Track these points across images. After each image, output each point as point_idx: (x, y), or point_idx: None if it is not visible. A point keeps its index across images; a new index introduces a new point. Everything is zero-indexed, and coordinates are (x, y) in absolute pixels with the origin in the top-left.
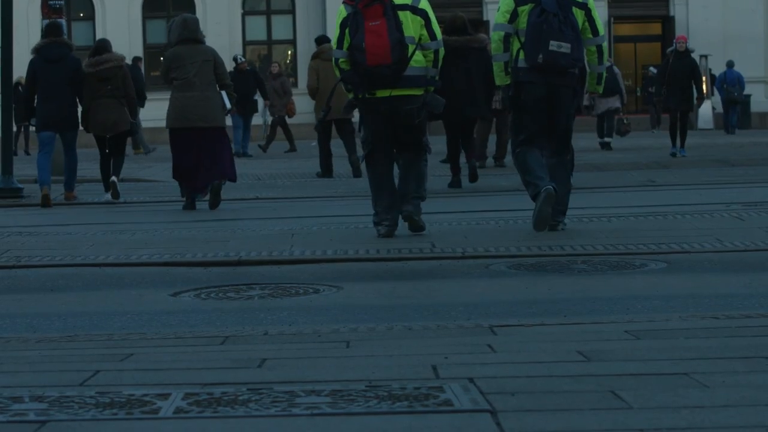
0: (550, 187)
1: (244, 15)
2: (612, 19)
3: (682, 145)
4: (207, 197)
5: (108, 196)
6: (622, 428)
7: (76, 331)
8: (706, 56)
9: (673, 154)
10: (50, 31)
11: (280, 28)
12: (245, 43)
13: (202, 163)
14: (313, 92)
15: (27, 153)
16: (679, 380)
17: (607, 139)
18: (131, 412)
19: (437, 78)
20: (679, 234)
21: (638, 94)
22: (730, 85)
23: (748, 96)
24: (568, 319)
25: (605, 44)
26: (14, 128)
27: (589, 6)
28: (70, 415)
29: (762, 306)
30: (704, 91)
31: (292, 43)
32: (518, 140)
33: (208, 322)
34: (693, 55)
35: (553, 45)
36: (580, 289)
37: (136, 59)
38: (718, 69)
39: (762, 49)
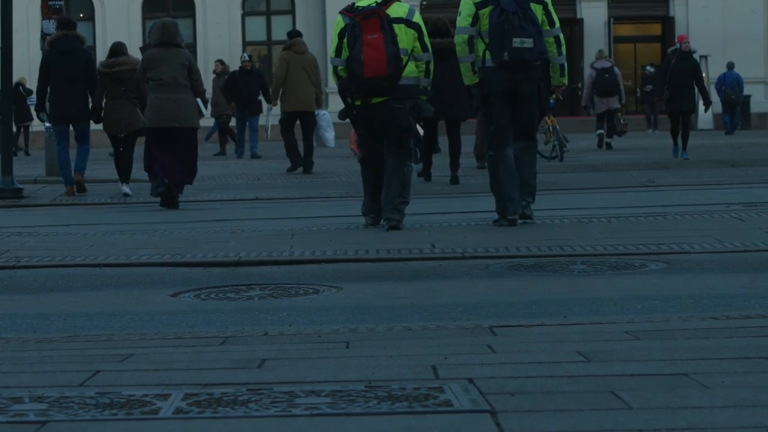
0: (516, 217)
1: (243, 15)
2: (612, 19)
3: (684, 148)
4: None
5: (126, 189)
6: (622, 428)
7: (76, 332)
8: (706, 57)
9: (675, 153)
10: (63, 25)
11: (280, 28)
12: (245, 44)
13: (173, 161)
14: (279, 81)
15: (27, 153)
16: (679, 381)
17: (607, 140)
18: (131, 413)
19: (429, 88)
20: (679, 234)
21: (638, 94)
22: (729, 86)
23: (748, 97)
24: (568, 319)
25: (562, 35)
26: (14, 128)
27: (545, 0)
28: (70, 416)
29: (761, 306)
30: (708, 94)
31: None
32: (490, 133)
33: (207, 323)
34: (694, 55)
35: (516, 42)
36: (579, 289)
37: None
38: (719, 69)
39: (762, 49)
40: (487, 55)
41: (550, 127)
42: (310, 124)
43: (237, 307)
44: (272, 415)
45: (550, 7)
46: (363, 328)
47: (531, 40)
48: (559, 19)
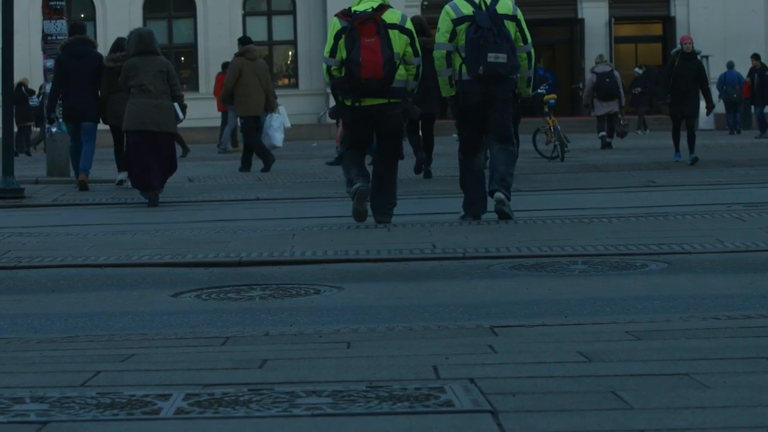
0: (478, 215)
1: (244, 16)
2: (612, 19)
3: (692, 150)
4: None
5: (123, 176)
6: (623, 429)
7: (77, 332)
8: (706, 57)
9: (677, 157)
10: (75, 30)
11: (281, 28)
12: None
13: (152, 164)
14: (229, 88)
15: (28, 154)
16: (680, 381)
17: (608, 140)
18: (132, 413)
19: (416, 90)
20: (680, 234)
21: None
22: (730, 86)
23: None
24: (569, 319)
25: (533, 51)
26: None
27: (518, 17)
28: (71, 416)
29: (762, 306)
30: (711, 97)
31: (293, 43)
32: (462, 139)
33: (209, 323)
34: (698, 57)
35: (491, 57)
36: (580, 289)
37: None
38: (720, 70)
39: (763, 49)
40: (464, 69)
41: (552, 128)
42: (257, 127)
43: (238, 307)
44: (273, 416)
45: (523, 24)
46: (364, 329)
47: (505, 56)
48: (560, 20)
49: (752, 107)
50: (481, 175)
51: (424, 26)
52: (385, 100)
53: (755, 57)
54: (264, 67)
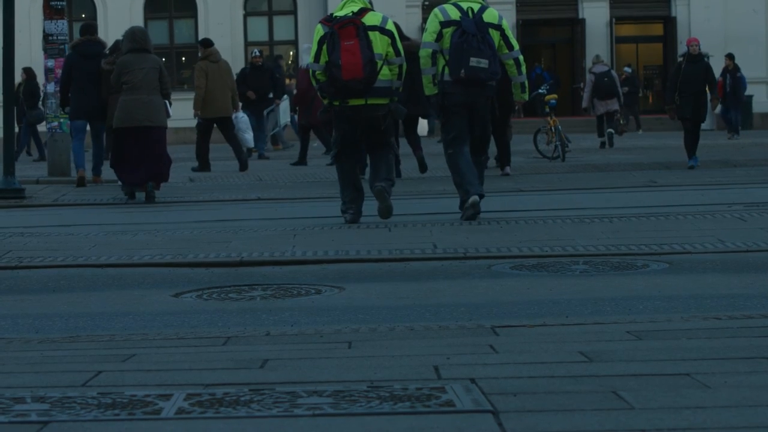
0: (477, 197)
1: (245, 16)
2: (613, 19)
3: (694, 153)
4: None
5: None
6: (624, 428)
7: (78, 332)
8: (707, 57)
9: (691, 167)
10: (86, 30)
11: (282, 28)
12: (247, 44)
13: (144, 159)
14: (201, 91)
15: (28, 154)
16: (681, 381)
17: (609, 130)
18: (133, 413)
19: (401, 89)
20: (681, 234)
21: (639, 94)
22: None
23: (750, 97)
24: (570, 319)
25: (521, 57)
26: (16, 129)
27: (503, 26)
28: (72, 416)
29: (764, 306)
30: (717, 94)
31: (294, 43)
32: (449, 138)
33: (210, 323)
34: (705, 59)
35: (473, 61)
36: (581, 289)
37: (277, 57)
38: (720, 70)
39: (764, 49)
40: (446, 71)
41: (552, 128)
42: (230, 126)
43: (239, 307)
44: (274, 416)
45: (508, 32)
46: (365, 328)
47: (486, 61)
48: (561, 20)
49: (724, 109)
50: (471, 163)
51: (401, 30)
52: (371, 101)
53: (729, 57)
54: (228, 68)
